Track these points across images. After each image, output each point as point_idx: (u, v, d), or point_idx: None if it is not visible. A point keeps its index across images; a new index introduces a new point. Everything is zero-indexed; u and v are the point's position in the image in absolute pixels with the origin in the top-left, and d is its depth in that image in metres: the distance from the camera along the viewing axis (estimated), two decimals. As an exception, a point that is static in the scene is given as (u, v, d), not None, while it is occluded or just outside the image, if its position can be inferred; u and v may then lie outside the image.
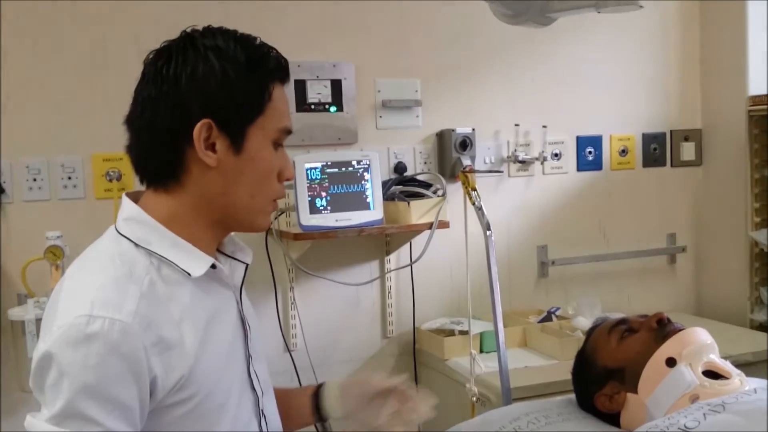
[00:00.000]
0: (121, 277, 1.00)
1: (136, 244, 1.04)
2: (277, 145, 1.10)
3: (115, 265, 1.01)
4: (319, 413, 1.29)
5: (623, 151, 2.78)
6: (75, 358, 0.93)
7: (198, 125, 1.02)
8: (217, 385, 1.05)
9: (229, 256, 1.17)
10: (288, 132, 1.12)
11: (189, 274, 1.04)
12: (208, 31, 1.08)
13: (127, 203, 1.09)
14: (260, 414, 1.15)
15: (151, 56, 1.08)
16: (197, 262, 1.06)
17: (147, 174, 1.09)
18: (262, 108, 1.06)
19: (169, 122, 1.04)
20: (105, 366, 0.93)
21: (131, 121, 1.08)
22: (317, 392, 1.30)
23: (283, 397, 1.27)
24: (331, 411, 1.29)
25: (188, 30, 1.08)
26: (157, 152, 1.06)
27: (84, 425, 0.92)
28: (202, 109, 1.03)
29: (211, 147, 1.04)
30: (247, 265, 1.18)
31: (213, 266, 1.07)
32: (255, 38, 1.10)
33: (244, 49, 1.06)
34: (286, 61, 1.12)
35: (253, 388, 1.14)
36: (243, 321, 1.15)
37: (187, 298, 1.04)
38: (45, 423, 0.93)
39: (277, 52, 1.11)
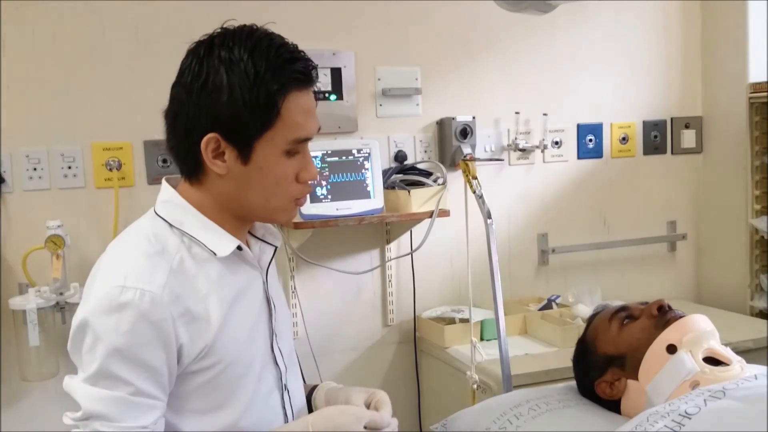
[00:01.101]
0: (154, 253, 1.08)
1: (171, 225, 1.13)
2: (292, 152, 1.12)
3: (150, 243, 1.10)
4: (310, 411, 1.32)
5: (624, 138, 2.77)
6: (108, 325, 1.02)
7: (205, 139, 1.08)
8: (239, 357, 1.12)
9: (260, 239, 1.24)
10: (305, 140, 1.13)
11: (215, 254, 1.11)
12: (230, 37, 1.10)
13: (165, 187, 1.18)
14: (283, 388, 1.21)
15: (187, 52, 1.12)
16: (225, 243, 1.13)
17: (178, 167, 1.17)
18: (270, 123, 1.08)
19: (185, 130, 1.11)
20: (136, 332, 1.02)
21: (165, 115, 1.15)
22: (311, 394, 1.32)
23: None
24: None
25: (217, 30, 1.12)
26: (179, 153, 1.14)
27: (116, 385, 1.02)
28: (210, 123, 1.08)
29: (221, 156, 1.10)
30: (276, 247, 1.25)
31: (239, 248, 1.14)
32: (278, 45, 1.10)
33: (256, 62, 1.07)
34: (311, 66, 1.12)
35: (276, 364, 1.20)
36: (268, 300, 1.21)
37: (215, 275, 1.12)
38: (81, 383, 1.03)
39: (302, 57, 1.11)
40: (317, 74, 1.14)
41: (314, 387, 1.34)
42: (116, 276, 1.04)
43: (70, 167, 2.15)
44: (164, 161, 2.19)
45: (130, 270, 1.05)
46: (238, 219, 1.17)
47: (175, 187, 1.17)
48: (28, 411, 2.11)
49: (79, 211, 2.13)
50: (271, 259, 1.24)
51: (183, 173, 1.16)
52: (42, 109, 2.12)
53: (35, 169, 2.12)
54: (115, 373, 1.01)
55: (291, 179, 1.13)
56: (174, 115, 1.12)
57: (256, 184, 1.11)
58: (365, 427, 1.13)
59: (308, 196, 2.09)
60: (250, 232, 1.23)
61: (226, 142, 1.08)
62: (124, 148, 2.16)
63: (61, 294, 1.99)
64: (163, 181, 1.19)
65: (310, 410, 1.31)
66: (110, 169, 2.16)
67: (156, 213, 1.15)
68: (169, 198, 1.15)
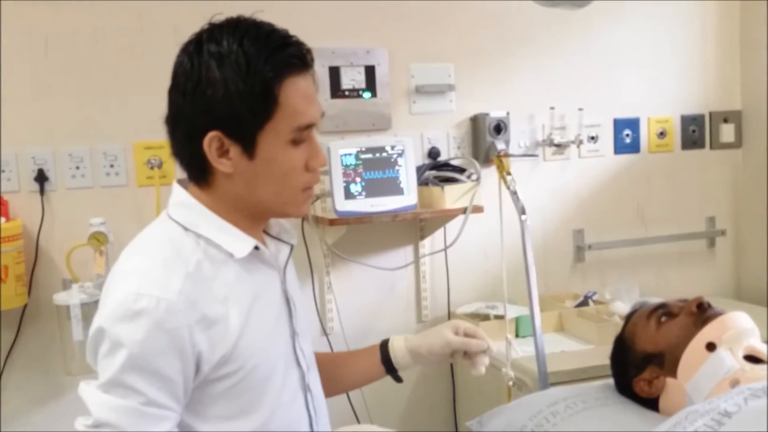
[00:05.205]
0: (169, 258, 1.06)
1: (185, 228, 1.10)
2: (298, 141, 1.09)
3: (165, 248, 1.07)
4: (388, 366, 1.37)
5: (661, 133, 2.74)
6: (123, 332, 1.00)
7: (207, 138, 1.05)
8: (262, 360, 1.10)
9: (275, 237, 1.22)
10: (308, 126, 1.09)
11: (233, 255, 1.09)
12: (217, 30, 1.07)
13: (177, 189, 1.15)
14: (306, 388, 1.19)
15: (177, 53, 1.10)
16: (241, 243, 1.11)
17: (185, 172, 1.14)
18: (270, 113, 1.05)
19: (185, 133, 1.08)
20: (150, 340, 0.99)
21: (165, 122, 1.12)
22: (384, 348, 1.38)
23: (338, 360, 1.37)
24: (404, 364, 1.37)
25: (203, 27, 1.09)
26: (184, 157, 1.12)
27: (128, 394, 0.99)
28: (210, 122, 1.05)
29: (225, 154, 1.07)
30: (292, 245, 1.23)
31: (256, 248, 1.12)
32: (269, 31, 1.07)
33: (247, 52, 1.03)
34: (304, 49, 1.08)
35: (299, 364, 1.19)
36: (288, 299, 1.19)
37: (232, 277, 1.09)
38: (95, 390, 1.01)
39: (294, 41, 1.08)
40: (312, 57, 1.09)
41: (384, 343, 1.38)
42: (131, 283, 1.02)
43: (112, 166, 2.20)
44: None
45: (145, 276, 1.02)
46: (251, 218, 1.14)
47: (185, 189, 1.14)
48: (72, 404, 2.16)
49: (122, 209, 2.18)
50: (288, 257, 1.21)
51: (190, 177, 1.13)
52: (84, 108, 2.17)
53: (78, 167, 2.18)
54: (128, 382, 0.99)
55: (300, 169, 1.10)
56: (173, 120, 1.09)
57: (264, 179, 1.08)
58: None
59: (344, 193, 2.14)
60: (265, 231, 1.20)
61: (228, 139, 1.05)
62: (165, 147, 2.15)
63: (104, 289, 2.04)
64: (174, 183, 1.16)
65: (388, 363, 1.36)
66: (152, 168, 2.21)
67: (169, 216, 1.12)
68: (182, 201, 1.12)
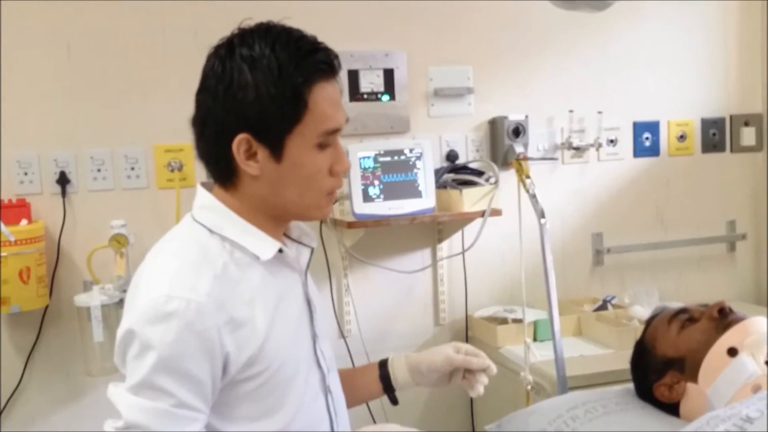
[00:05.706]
0: (197, 260, 1.06)
1: (210, 231, 1.11)
2: (324, 145, 1.10)
3: (192, 250, 1.08)
4: (386, 384, 1.36)
5: (681, 136, 2.72)
6: (154, 334, 1.00)
7: (236, 140, 1.07)
8: (286, 362, 1.11)
9: (295, 241, 1.23)
10: (335, 131, 1.12)
11: (258, 257, 1.10)
12: (249, 35, 1.09)
13: (201, 192, 1.16)
14: (326, 390, 1.20)
15: (207, 56, 1.11)
16: (266, 246, 1.12)
17: (209, 173, 1.15)
18: (299, 117, 1.07)
19: (214, 135, 1.09)
20: (181, 342, 1.00)
21: (192, 123, 1.13)
22: (383, 367, 1.37)
23: (344, 376, 1.33)
24: (402, 383, 1.36)
25: (234, 32, 1.11)
26: (211, 159, 1.13)
27: (159, 396, 1.00)
28: (239, 124, 1.06)
29: (253, 157, 1.08)
30: (313, 248, 1.24)
31: (280, 250, 1.13)
32: (299, 37, 1.09)
33: (279, 56, 1.05)
34: (332, 55, 1.10)
35: (320, 366, 1.19)
36: (309, 302, 1.20)
37: (257, 279, 1.10)
38: (124, 392, 1.02)
39: (323, 47, 1.10)
40: (340, 63, 1.12)
41: (384, 361, 1.37)
42: (160, 285, 1.02)
43: (133, 168, 2.22)
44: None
45: (174, 278, 1.03)
46: (274, 220, 1.15)
47: (209, 191, 1.15)
48: (93, 405, 2.19)
49: (142, 211, 2.20)
50: (309, 261, 1.22)
51: (216, 179, 1.14)
52: (106, 111, 2.19)
53: (99, 170, 2.20)
54: (159, 384, 0.99)
55: (325, 173, 1.12)
56: (202, 122, 1.10)
57: (290, 182, 1.09)
58: None
59: (362, 196, 2.15)
60: (285, 234, 1.21)
61: (257, 142, 1.07)
62: (185, 150, 2.21)
63: (125, 291, 2.04)
64: (198, 186, 1.17)
65: (386, 382, 1.35)
66: (172, 170, 2.22)
67: (194, 219, 1.13)
68: (207, 203, 1.13)
